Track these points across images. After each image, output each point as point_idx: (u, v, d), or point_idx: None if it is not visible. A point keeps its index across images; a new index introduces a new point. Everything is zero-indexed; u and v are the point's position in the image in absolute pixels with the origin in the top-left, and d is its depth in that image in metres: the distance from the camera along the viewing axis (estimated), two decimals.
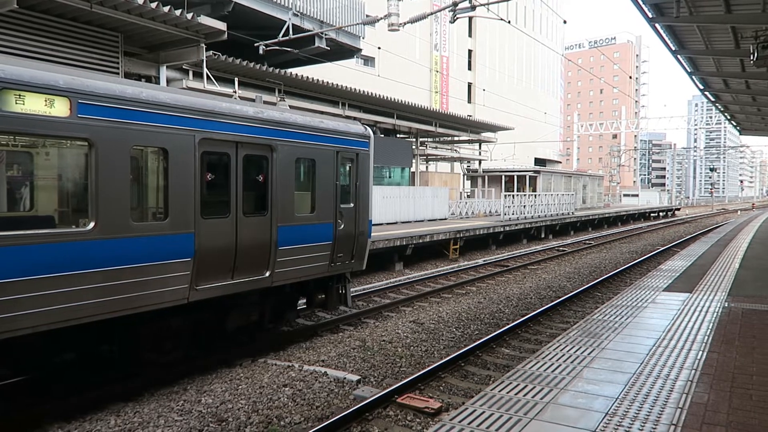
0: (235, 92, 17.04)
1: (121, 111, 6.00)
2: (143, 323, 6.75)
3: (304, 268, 8.53)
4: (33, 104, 5.28)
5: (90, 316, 5.85)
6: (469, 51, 53.79)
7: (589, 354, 6.14)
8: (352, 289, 10.71)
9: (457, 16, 14.01)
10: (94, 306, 5.85)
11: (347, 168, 9.42)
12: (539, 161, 59.81)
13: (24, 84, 5.22)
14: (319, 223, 8.77)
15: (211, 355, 8.08)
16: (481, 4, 14.03)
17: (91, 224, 5.78)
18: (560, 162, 71.21)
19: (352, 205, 9.46)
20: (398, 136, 31.16)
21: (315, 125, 8.70)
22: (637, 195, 63.60)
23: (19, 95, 5.19)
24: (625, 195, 65.55)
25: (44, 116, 5.36)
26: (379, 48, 24.93)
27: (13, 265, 5.18)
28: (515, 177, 37.81)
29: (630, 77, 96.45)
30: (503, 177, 37.87)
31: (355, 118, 21.77)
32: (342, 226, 9.18)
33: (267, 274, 7.86)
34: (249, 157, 7.53)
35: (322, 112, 19.22)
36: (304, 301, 9.69)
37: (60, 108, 5.47)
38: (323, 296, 9.57)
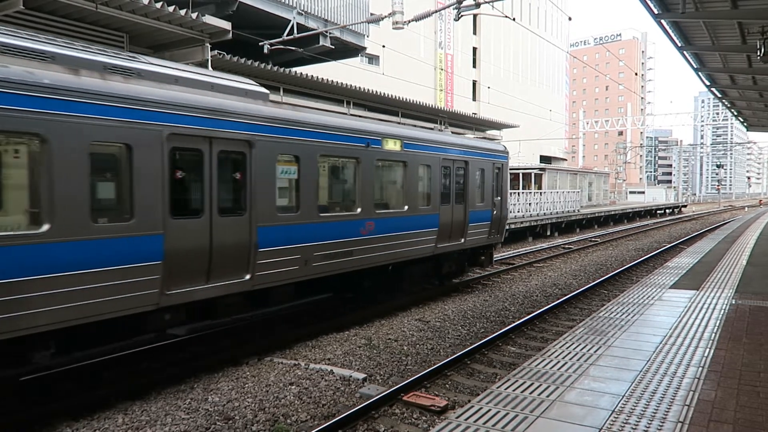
0: None
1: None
2: (412, 265, 11.46)
3: (478, 238, 13.33)
4: (390, 145, 10.33)
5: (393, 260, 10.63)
6: (474, 49, 53.59)
7: (595, 352, 6.13)
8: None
9: (462, 13, 13.95)
10: (394, 254, 10.55)
11: (496, 173, 14.03)
12: (544, 158, 59.54)
13: (386, 135, 10.21)
14: (485, 209, 13.51)
15: (217, 354, 8.13)
16: (486, 2, 13.97)
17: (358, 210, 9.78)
18: (566, 159, 70.85)
19: (499, 198, 14.18)
20: None
21: (481, 146, 13.72)
22: (643, 192, 63.20)
23: (386, 141, 10.20)
24: (631, 192, 65.18)
25: (393, 151, 10.39)
26: (383, 46, 24.89)
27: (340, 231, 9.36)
28: (520, 174, 37.70)
29: (636, 74, 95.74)
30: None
31: (359, 117, 21.73)
32: (495, 211, 13.87)
33: (462, 240, 12.70)
34: (456, 167, 12.33)
35: (326, 111, 19.20)
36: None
37: (397, 146, 10.51)
38: (483, 257, 14.34)
